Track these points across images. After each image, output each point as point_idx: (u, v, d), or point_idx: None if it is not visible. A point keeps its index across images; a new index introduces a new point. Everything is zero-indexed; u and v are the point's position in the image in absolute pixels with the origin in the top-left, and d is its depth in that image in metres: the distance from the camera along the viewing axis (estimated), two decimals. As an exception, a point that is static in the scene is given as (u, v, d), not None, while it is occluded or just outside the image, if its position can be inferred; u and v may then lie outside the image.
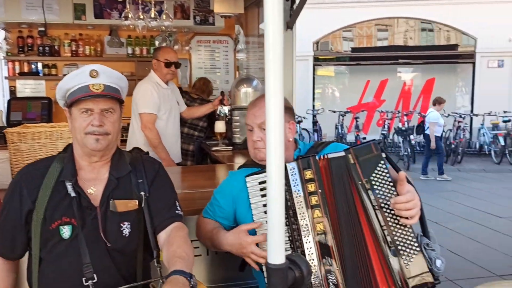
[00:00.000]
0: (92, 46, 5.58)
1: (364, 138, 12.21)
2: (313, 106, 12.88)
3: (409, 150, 10.62)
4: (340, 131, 11.81)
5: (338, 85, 13.81)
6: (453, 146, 11.18)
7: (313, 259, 1.50)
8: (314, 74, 13.08)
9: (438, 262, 1.43)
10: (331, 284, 1.48)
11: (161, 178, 1.75)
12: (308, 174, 1.56)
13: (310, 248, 1.51)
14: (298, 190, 1.55)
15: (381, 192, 1.48)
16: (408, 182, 1.50)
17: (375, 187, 1.49)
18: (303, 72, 12.58)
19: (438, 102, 9.66)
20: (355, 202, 1.52)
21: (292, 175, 1.57)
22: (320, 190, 1.54)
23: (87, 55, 5.56)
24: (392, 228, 1.46)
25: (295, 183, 1.56)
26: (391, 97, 13.08)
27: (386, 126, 11.72)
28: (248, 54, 5.43)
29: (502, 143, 10.86)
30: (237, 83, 4.34)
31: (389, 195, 1.47)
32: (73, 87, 1.60)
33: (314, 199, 1.53)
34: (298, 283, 0.82)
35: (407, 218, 1.45)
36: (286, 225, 1.56)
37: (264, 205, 1.60)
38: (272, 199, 0.76)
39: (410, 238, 1.44)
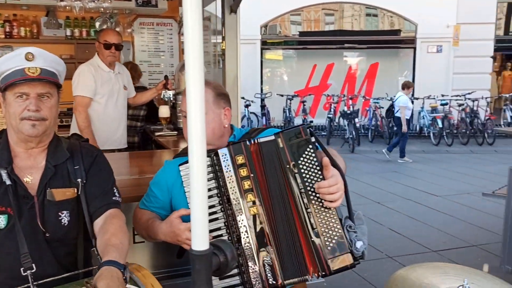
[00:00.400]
0: (28, 28, 5.31)
1: (311, 122, 12.42)
2: (261, 89, 12.92)
3: (354, 133, 10.92)
4: (288, 115, 11.95)
5: (286, 69, 13.92)
6: (395, 128, 11.59)
7: (248, 242, 1.53)
8: (262, 57, 13.09)
9: (359, 244, 1.48)
10: (266, 265, 1.52)
11: (98, 165, 1.71)
12: (240, 159, 1.57)
13: (245, 231, 1.54)
14: (231, 176, 1.57)
15: (307, 176, 1.52)
16: (335, 166, 1.53)
17: (302, 171, 1.52)
18: (251, 56, 12.56)
19: (407, 86, 9.95)
20: (285, 185, 1.54)
21: (224, 161, 1.58)
22: (252, 175, 1.56)
23: (22, 37, 5.28)
24: (316, 211, 1.50)
25: (228, 168, 1.57)
26: (337, 81, 13.36)
27: (332, 110, 11.97)
28: (193, 37, 5.34)
29: (440, 125, 11.40)
30: (182, 67, 4.29)
31: (315, 179, 1.51)
32: (7, 70, 1.53)
33: (246, 184, 1.55)
34: (223, 268, 0.84)
35: (331, 201, 1.48)
36: (221, 211, 1.58)
37: None
38: (193, 186, 0.76)
39: (333, 220, 1.49)
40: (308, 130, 1.56)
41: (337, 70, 13.37)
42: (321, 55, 13.34)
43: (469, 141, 11.46)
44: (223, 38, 3.63)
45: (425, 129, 12.09)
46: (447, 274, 1.37)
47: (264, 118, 11.83)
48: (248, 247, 1.53)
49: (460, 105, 11.83)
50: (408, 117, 9.77)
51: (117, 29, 5.35)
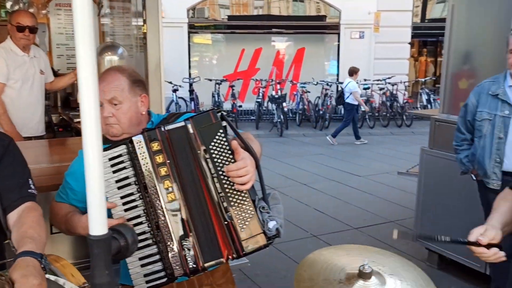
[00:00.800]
0: None
1: (240, 106, 12.49)
2: (190, 74, 12.76)
3: (282, 117, 11.12)
4: (216, 99, 11.91)
5: (214, 53, 13.82)
6: (321, 112, 11.96)
7: (167, 228, 1.53)
8: (189, 41, 12.90)
9: (271, 224, 1.51)
10: (186, 249, 1.53)
11: (10, 155, 1.60)
12: (155, 146, 1.55)
13: (164, 218, 1.54)
14: (147, 163, 1.55)
15: (219, 161, 1.53)
16: (247, 149, 1.55)
17: (214, 155, 1.53)
18: (178, 40, 12.34)
19: (354, 72, 10.31)
20: (197, 171, 1.55)
21: (139, 148, 1.56)
22: (169, 161, 1.55)
23: None
24: (229, 194, 1.52)
25: (143, 156, 1.55)
26: (266, 66, 13.49)
27: (260, 94, 12.09)
28: (114, 19, 5.16)
29: (363, 109, 11.88)
30: (101, 51, 4.12)
31: (226, 163, 1.52)
32: None
33: (163, 170, 1.54)
34: (124, 252, 0.83)
35: (241, 184, 1.50)
36: (140, 198, 1.56)
37: (117, 181, 1.58)
38: (88, 171, 0.75)
39: (245, 203, 1.52)
40: (218, 114, 1.56)
41: (265, 54, 13.49)
42: (250, 40, 13.39)
43: (389, 123, 12.09)
44: (144, 21, 3.54)
45: (349, 112, 12.56)
46: (351, 255, 1.45)
47: (192, 103, 11.71)
48: (167, 233, 1.54)
49: (381, 89, 12.40)
50: (356, 103, 10.20)
51: (31, 10, 5.03)
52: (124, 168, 1.59)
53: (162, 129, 1.58)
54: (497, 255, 1.42)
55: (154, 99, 3.61)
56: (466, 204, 3.53)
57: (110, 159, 1.58)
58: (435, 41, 15.60)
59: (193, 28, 13.00)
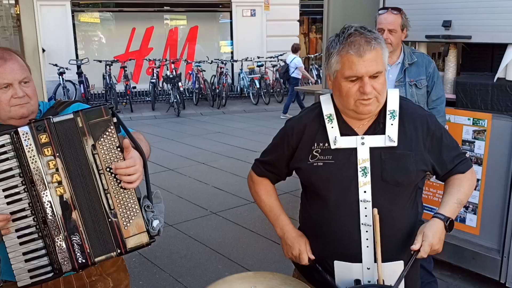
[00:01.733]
0: None
1: (134, 88, 12.14)
2: (77, 55, 12.06)
3: (178, 97, 11.02)
4: (108, 81, 11.43)
5: (104, 33, 13.17)
6: (217, 90, 12.05)
7: (55, 223, 1.50)
8: (74, 20, 12.13)
9: (155, 223, 1.54)
10: (75, 245, 1.51)
11: None
12: (44, 138, 1.49)
13: (52, 212, 1.50)
14: (33, 156, 1.49)
15: (107, 157, 1.51)
16: (137, 148, 1.57)
17: (102, 151, 1.51)
18: (61, 19, 11.58)
19: (298, 48, 10.74)
20: (87, 166, 1.52)
21: (25, 140, 1.49)
22: (58, 154, 1.50)
23: None
24: (115, 192, 1.52)
25: (30, 148, 1.49)
26: (159, 45, 13.18)
27: (155, 75, 11.84)
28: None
29: (258, 85, 12.21)
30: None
31: (115, 160, 1.51)
32: None
33: (52, 164, 1.49)
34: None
35: (128, 182, 1.51)
36: (25, 191, 1.51)
37: None
38: None
39: (131, 201, 1.53)
40: (110, 110, 1.52)
41: (158, 34, 13.17)
42: (140, 18, 12.96)
43: (284, 99, 12.53)
44: (16, 2, 3.30)
45: (245, 89, 12.82)
46: (245, 282, 1.54)
47: (82, 86, 11.13)
48: (55, 228, 1.50)
49: (274, 66, 12.78)
50: (299, 77, 10.69)
51: None
52: (7, 159, 1.49)
53: (51, 120, 1.51)
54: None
55: (35, 85, 3.42)
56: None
57: None
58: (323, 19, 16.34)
59: (77, 6, 12.24)
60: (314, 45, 16.87)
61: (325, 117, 1.66)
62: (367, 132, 1.63)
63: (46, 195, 1.50)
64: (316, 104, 1.74)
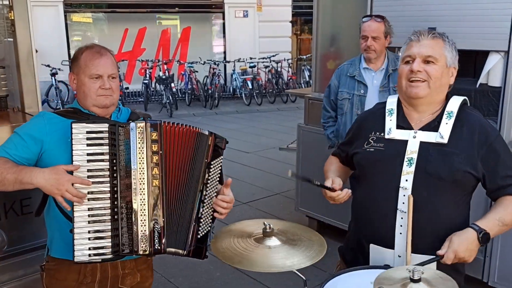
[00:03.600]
0: None
1: (127, 88, 12.17)
2: (70, 56, 12.04)
3: (171, 97, 11.06)
4: (101, 82, 11.41)
5: (96, 33, 13.16)
6: (210, 91, 12.10)
7: (144, 209, 1.70)
8: (66, 21, 12.12)
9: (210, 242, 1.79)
10: (156, 232, 1.70)
11: None
12: (154, 136, 1.72)
13: (143, 199, 1.70)
14: (142, 148, 1.71)
15: (211, 177, 1.80)
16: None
17: (211, 171, 1.79)
18: (53, 20, 11.57)
19: None
20: (199, 174, 1.78)
21: (139, 133, 1.71)
22: (161, 152, 1.72)
23: None
24: (207, 206, 1.82)
25: (141, 140, 1.71)
26: (151, 46, 13.19)
27: (147, 75, 11.86)
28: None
29: (250, 86, 12.28)
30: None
31: (214, 183, 1.81)
32: None
33: (155, 158, 1.71)
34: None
35: (220, 212, 1.83)
36: (110, 176, 1.67)
37: (88, 154, 1.67)
38: None
39: (210, 218, 1.85)
40: (226, 145, 1.85)
41: (150, 34, 13.18)
42: (133, 19, 12.96)
43: (276, 99, 12.63)
44: (11, 8, 3.34)
45: (238, 90, 12.88)
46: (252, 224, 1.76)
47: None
48: (143, 214, 1.69)
49: (266, 67, 12.86)
50: None
51: None
52: (101, 144, 1.69)
53: (176, 124, 1.77)
54: (348, 192, 1.80)
55: (28, 87, 3.47)
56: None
57: (88, 132, 1.68)
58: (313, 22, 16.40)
59: (70, 7, 12.23)
60: (307, 46, 16.95)
61: (386, 110, 1.82)
62: (422, 129, 1.74)
63: (143, 184, 1.70)
64: (384, 101, 1.92)
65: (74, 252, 1.64)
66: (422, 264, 1.57)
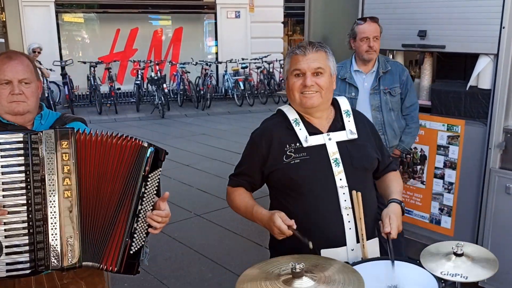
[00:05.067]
0: None
1: (119, 89, 12.13)
2: (61, 56, 11.98)
3: (163, 98, 11.04)
4: (93, 82, 11.37)
5: (88, 34, 13.09)
6: (202, 92, 12.09)
7: (55, 223, 1.62)
8: (58, 21, 12.05)
9: (145, 259, 1.76)
10: (69, 245, 1.63)
11: None
12: (64, 145, 1.64)
13: (54, 212, 1.62)
14: (51, 158, 1.62)
15: (148, 191, 1.72)
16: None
17: (148, 184, 1.71)
18: (44, 20, 11.49)
19: None
20: (132, 186, 1.69)
21: (47, 142, 1.62)
22: (73, 161, 1.64)
23: None
24: (141, 221, 1.72)
25: (50, 150, 1.62)
26: (143, 46, 13.15)
27: (139, 76, 11.81)
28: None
29: (242, 87, 12.28)
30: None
31: (151, 196, 1.73)
32: None
33: (66, 168, 1.63)
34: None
35: (155, 227, 1.73)
36: (27, 188, 1.60)
37: (2, 166, 1.60)
38: None
39: (144, 233, 1.74)
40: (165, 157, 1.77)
41: (142, 35, 13.15)
42: (125, 19, 12.92)
43: (268, 100, 12.64)
44: (3, 9, 3.33)
45: (230, 91, 12.88)
46: (278, 264, 1.58)
47: (66, 87, 11.06)
48: (54, 227, 1.61)
49: (258, 67, 12.87)
50: None
51: None
52: (17, 155, 1.61)
53: (76, 131, 1.66)
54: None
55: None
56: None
57: (2, 144, 1.59)
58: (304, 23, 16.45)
59: (61, 7, 12.17)
60: (299, 47, 16.98)
61: (291, 121, 1.88)
62: (330, 130, 1.89)
63: (53, 195, 1.61)
64: (274, 114, 1.99)
65: None
66: (390, 248, 1.69)
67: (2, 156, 1.59)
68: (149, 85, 11.81)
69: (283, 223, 1.72)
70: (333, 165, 1.82)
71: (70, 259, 1.62)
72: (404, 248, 3.19)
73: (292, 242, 1.74)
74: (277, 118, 1.94)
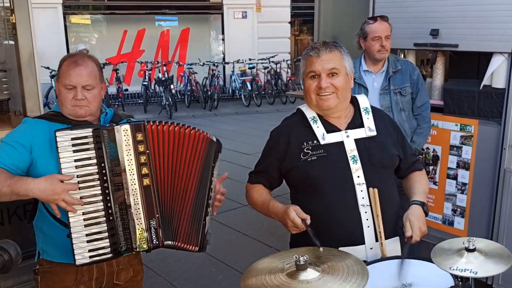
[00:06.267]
0: None
1: (126, 90, 12.15)
2: (69, 58, 12.00)
3: (170, 99, 11.05)
4: (100, 84, 11.39)
5: (95, 35, 13.15)
6: (209, 92, 12.09)
7: (138, 208, 1.75)
8: (66, 22, 12.11)
9: (208, 236, 1.90)
10: (152, 228, 1.76)
11: None
12: (139, 136, 1.76)
13: (136, 198, 1.74)
14: (129, 149, 1.75)
15: (214, 180, 1.89)
16: None
17: (214, 174, 1.89)
18: (53, 22, 11.56)
19: None
20: (208, 177, 1.84)
21: (125, 135, 1.74)
22: (148, 151, 1.77)
23: None
24: (211, 202, 1.88)
25: (127, 142, 1.74)
26: (150, 47, 13.18)
27: (147, 77, 11.84)
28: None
29: (249, 87, 12.27)
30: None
31: (214, 179, 1.89)
32: None
33: (143, 158, 1.76)
34: (8, 265, 0.88)
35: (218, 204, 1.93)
36: (99, 179, 1.72)
37: (75, 160, 1.70)
38: None
39: (209, 211, 1.88)
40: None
41: (149, 36, 13.18)
42: (132, 21, 12.96)
43: (275, 101, 12.62)
44: (12, 11, 3.32)
45: (237, 91, 12.87)
46: (282, 258, 1.58)
47: (74, 88, 11.10)
48: (137, 212, 1.74)
49: (265, 68, 12.85)
50: None
51: None
52: (88, 149, 1.71)
53: (146, 124, 1.79)
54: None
55: (30, 90, 3.45)
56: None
57: (73, 139, 1.70)
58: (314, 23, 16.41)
59: (69, 9, 12.22)
60: (305, 47, 16.93)
61: (309, 119, 1.89)
62: (348, 128, 1.88)
63: (134, 184, 1.74)
64: (294, 113, 1.99)
65: (74, 256, 1.68)
66: (400, 257, 1.67)
67: (75, 151, 1.70)
68: (156, 86, 11.83)
69: (297, 216, 1.72)
70: (350, 162, 1.81)
71: (154, 240, 1.75)
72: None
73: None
74: (296, 117, 1.95)
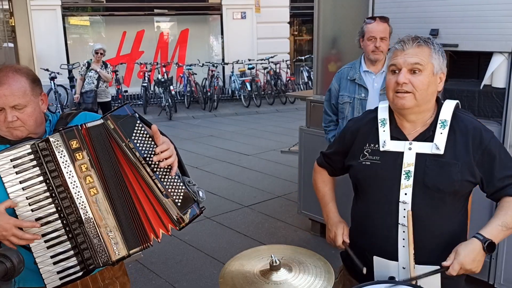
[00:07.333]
0: None
1: (126, 91, 12.13)
2: (68, 60, 12.02)
3: (170, 100, 11.04)
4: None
5: (94, 37, 13.13)
6: (209, 93, 12.08)
7: (91, 222, 1.60)
8: (65, 24, 12.10)
9: (201, 193, 1.67)
10: (112, 240, 1.61)
11: None
12: (74, 144, 1.59)
13: (87, 212, 1.60)
14: (66, 161, 1.59)
15: (144, 148, 1.61)
16: (161, 133, 1.67)
17: (138, 144, 1.60)
18: (51, 24, 11.55)
19: None
20: (121, 163, 1.62)
21: (57, 147, 1.58)
22: (88, 158, 1.60)
23: None
24: (160, 176, 1.61)
25: (62, 154, 1.58)
26: (150, 48, 13.17)
27: (146, 78, 11.83)
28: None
29: (249, 88, 12.27)
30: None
31: (150, 148, 1.61)
32: None
33: (84, 167, 1.60)
34: (10, 273, 0.87)
35: (168, 164, 1.61)
36: (52, 196, 1.58)
37: (21, 182, 1.58)
38: None
39: (175, 180, 1.63)
40: (131, 108, 1.66)
41: (148, 37, 13.17)
42: (131, 22, 12.94)
43: (275, 101, 12.61)
44: (12, 14, 3.33)
45: (236, 92, 12.86)
46: (260, 255, 1.65)
47: (73, 90, 11.08)
48: (91, 226, 1.60)
49: (265, 68, 12.84)
50: None
51: None
52: (30, 168, 1.59)
53: (80, 127, 1.61)
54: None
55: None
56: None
57: (12, 160, 1.58)
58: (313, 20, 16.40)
59: (68, 11, 12.21)
60: (304, 47, 16.94)
61: (379, 121, 1.77)
62: (417, 139, 1.70)
63: (80, 197, 1.59)
64: (376, 107, 1.86)
65: (44, 281, 1.58)
66: (427, 275, 1.58)
67: (18, 172, 1.58)
68: (156, 87, 11.82)
69: (341, 235, 1.79)
70: (402, 176, 1.67)
71: (117, 252, 1.61)
72: None
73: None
74: (374, 113, 1.83)
